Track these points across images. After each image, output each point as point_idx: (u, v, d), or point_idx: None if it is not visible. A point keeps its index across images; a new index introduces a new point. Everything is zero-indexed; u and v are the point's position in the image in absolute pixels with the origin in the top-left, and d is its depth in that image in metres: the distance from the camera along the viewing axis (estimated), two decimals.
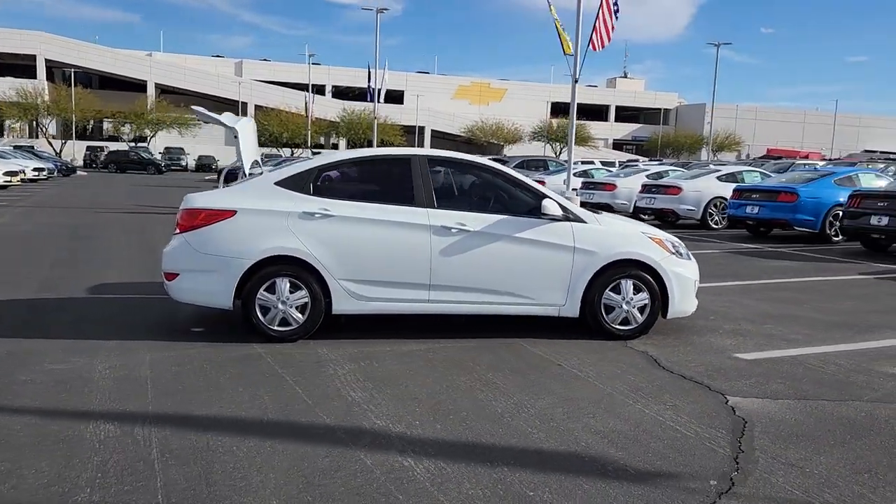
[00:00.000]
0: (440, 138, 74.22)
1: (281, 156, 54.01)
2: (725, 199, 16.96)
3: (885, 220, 12.25)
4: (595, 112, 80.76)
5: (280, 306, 5.84)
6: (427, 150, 6.49)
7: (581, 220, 6.21)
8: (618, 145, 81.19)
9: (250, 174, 6.91)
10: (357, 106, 66.37)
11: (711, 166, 22.41)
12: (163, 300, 7.55)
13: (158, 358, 5.41)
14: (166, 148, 62.17)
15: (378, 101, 36.31)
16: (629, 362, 5.58)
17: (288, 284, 5.84)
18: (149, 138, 65.41)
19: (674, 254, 6.36)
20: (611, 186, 19.59)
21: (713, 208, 17.15)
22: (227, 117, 6.34)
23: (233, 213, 5.87)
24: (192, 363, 5.30)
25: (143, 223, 15.99)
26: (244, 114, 69.97)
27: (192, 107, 6.93)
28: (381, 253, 5.92)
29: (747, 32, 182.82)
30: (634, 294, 6.21)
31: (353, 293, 5.92)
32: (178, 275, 5.94)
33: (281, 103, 67.39)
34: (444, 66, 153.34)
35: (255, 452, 3.74)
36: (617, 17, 17.63)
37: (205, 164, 59.99)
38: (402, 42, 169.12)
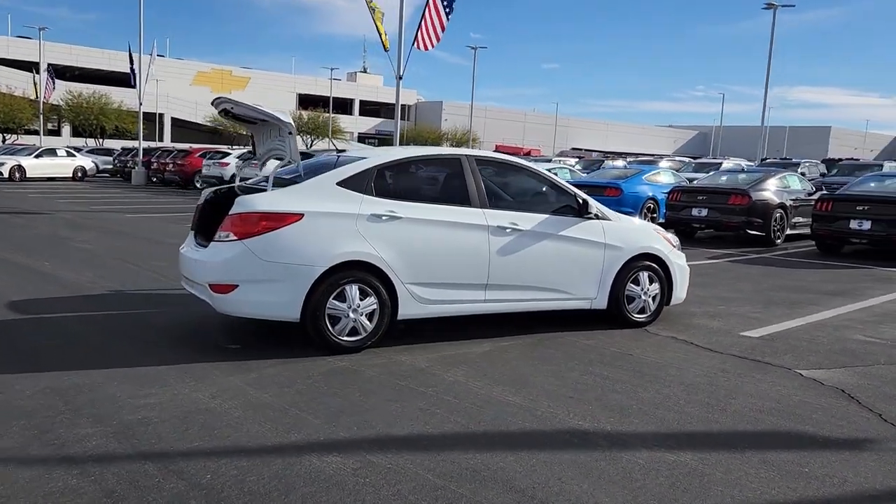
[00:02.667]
0: (181, 127, 69.60)
1: None
2: None
3: (704, 212, 14.34)
4: (341, 105, 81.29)
5: (351, 315, 5.48)
6: (472, 150, 6.46)
7: (607, 218, 6.64)
8: (362, 138, 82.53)
9: (245, 175, 6.30)
10: (84, 88, 59.77)
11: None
12: (130, 316, 6.66)
13: (251, 380, 4.83)
14: None
15: (142, 88, 33.09)
16: (678, 347, 6.12)
17: (357, 291, 5.50)
18: None
19: (675, 247, 7.06)
20: None
21: None
22: (281, 113, 5.71)
23: (300, 216, 5.37)
24: (298, 382, 4.82)
25: None
26: None
27: (224, 98, 6.02)
28: (445, 255, 5.82)
29: (459, 36, 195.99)
30: (650, 285, 6.80)
31: (418, 297, 5.74)
32: (235, 286, 5.29)
33: None
34: (179, 50, 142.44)
35: (526, 465, 3.64)
36: (448, 18, 18.21)
37: None
38: (111, 18, 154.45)
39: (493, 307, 6.14)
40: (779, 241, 14.28)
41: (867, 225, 12.14)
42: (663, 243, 6.91)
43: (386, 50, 19.69)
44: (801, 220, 14.76)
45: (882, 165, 26.02)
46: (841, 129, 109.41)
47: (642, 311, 6.80)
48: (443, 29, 18.56)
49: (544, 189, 6.56)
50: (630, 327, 6.71)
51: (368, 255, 5.50)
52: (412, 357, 5.52)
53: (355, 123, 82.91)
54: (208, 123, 66.28)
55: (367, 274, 5.52)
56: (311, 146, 63.33)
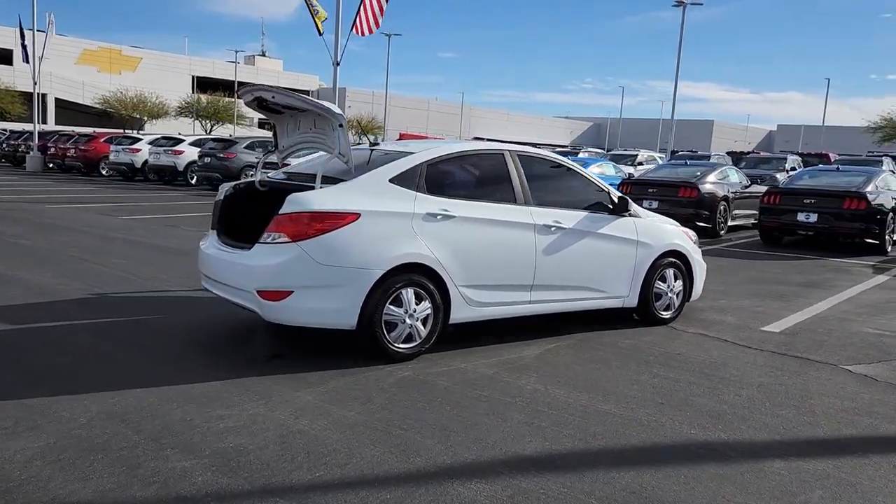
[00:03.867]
0: (66, 108, 65.12)
1: None
2: None
3: (654, 204, 14.61)
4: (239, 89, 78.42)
5: (408, 320, 5.15)
6: (513, 146, 6.19)
7: (637, 215, 6.55)
8: (263, 124, 79.89)
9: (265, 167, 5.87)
10: None
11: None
12: (133, 323, 6.05)
13: (323, 395, 4.42)
14: None
15: (36, 66, 30.59)
16: (716, 345, 6.09)
17: (413, 295, 5.17)
18: None
19: (695, 243, 7.08)
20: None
21: None
22: (329, 104, 5.22)
23: (357, 215, 4.97)
24: (375, 396, 4.45)
25: None
26: None
27: (259, 86, 5.43)
28: (496, 255, 5.57)
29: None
30: (675, 282, 6.78)
31: (469, 300, 5.46)
32: (289, 293, 4.83)
33: None
34: (60, 26, 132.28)
35: (678, 482, 3.47)
36: (387, 1, 17.74)
37: None
38: None
39: (537, 308, 5.94)
40: (722, 232, 14.77)
41: (814, 217, 12.71)
42: (685, 239, 6.91)
43: (320, 34, 18.99)
44: (738, 212, 15.35)
45: (786, 158, 27.49)
46: (723, 123, 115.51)
47: (667, 308, 6.77)
48: (382, 13, 18.09)
49: (580, 186, 6.39)
50: (656, 325, 6.67)
51: (424, 257, 5.17)
52: (469, 363, 5.24)
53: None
54: (97, 105, 62.38)
55: (422, 277, 5.19)
56: (210, 131, 60.86)
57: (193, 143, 24.42)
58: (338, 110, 5.15)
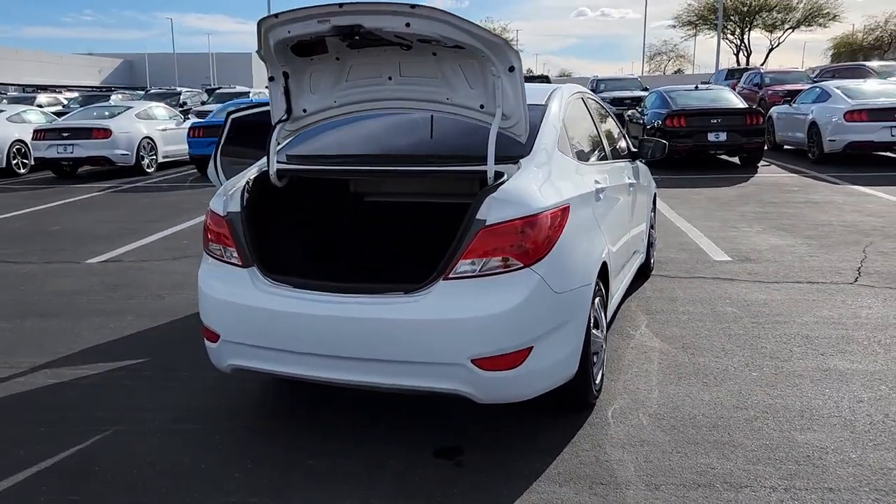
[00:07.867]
0: None
1: None
2: (152, 140, 15.03)
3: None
4: None
5: (603, 345, 3.63)
6: (580, 87, 4.62)
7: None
8: None
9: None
10: None
11: (126, 102, 18.34)
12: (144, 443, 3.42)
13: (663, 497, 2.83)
14: None
15: None
16: (741, 287, 5.68)
17: (600, 308, 3.64)
18: None
19: None
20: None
21: (143, 150, 14.89)
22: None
23: (566, 208, 3.19)
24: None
25: None
26: None
27: (384, 2, 2.68)
28: (621, 229, 4.29)
29: None
30: (654, 228, 6.20)
31: (611, 297, 4.10)
32: (529, 350, 2.92)
33: None
34: None
35: None
36: None
37: None
38: None
39: (623, 288, 4.77)
40: None
41: None
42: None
43: None
44: None
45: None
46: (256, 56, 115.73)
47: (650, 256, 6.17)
48: None
49: (616, 131, 5.25)
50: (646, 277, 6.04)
51: (608, 253, 3.67)
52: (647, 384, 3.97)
53: None
54: None
55: (600, 279, 3.67)
56: None
57: None
58: (512, 46, 3.10)
